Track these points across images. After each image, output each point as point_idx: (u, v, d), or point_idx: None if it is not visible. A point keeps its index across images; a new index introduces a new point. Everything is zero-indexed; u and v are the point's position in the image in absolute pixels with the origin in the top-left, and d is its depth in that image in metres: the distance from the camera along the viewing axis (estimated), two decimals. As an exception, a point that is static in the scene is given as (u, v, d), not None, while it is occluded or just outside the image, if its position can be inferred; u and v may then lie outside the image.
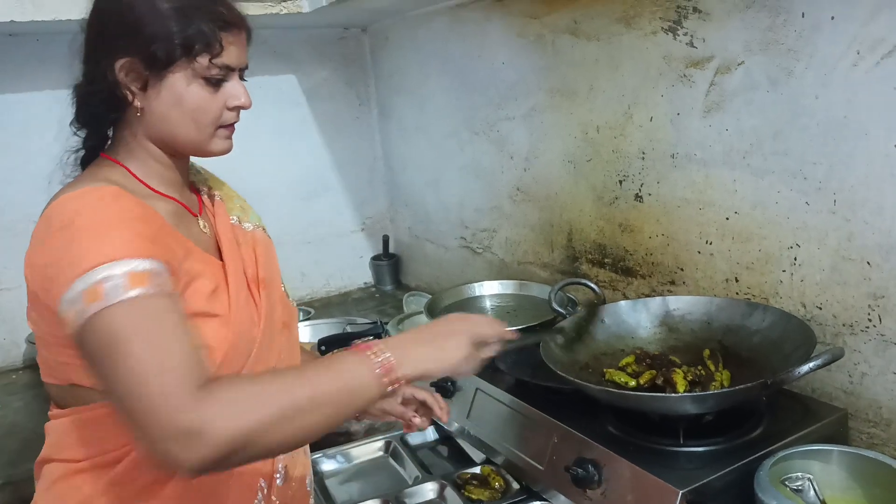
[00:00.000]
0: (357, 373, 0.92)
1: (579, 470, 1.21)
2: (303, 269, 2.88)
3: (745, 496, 1.09)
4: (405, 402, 1.33)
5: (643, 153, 1.64)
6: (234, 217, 1.21)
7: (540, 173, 2.00)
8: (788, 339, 1.27)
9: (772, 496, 1.03)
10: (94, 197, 0.95)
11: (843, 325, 1.29)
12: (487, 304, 1.84)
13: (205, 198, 1.20)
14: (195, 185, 1.20)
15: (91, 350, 0.86)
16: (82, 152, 1.11)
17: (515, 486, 1.40)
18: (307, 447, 1.19)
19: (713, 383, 1.26)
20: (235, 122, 1.09)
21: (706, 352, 1.35)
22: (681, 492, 1.07)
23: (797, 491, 0.99)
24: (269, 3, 2.22)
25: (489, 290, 1.87)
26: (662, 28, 1.52)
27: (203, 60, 1.01)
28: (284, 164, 2.77)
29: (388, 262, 2.96)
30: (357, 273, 3.01)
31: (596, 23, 1.69)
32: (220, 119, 1.06)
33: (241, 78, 1.08)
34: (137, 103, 1.02)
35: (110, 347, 0.84)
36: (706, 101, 1.46)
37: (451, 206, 2.51)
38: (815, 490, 0.98)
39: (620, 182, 1.72)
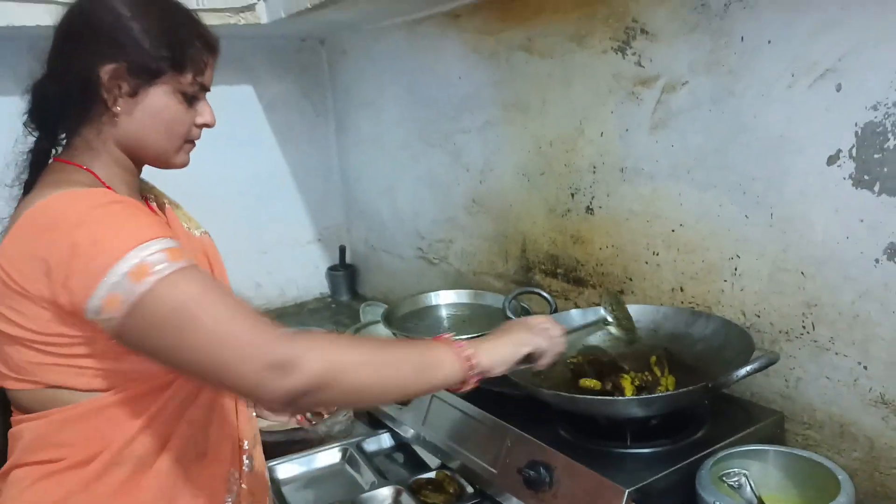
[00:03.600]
0: (444, 353, 1.02)
1: (531, 472, 1.24)
2: (257, 280, 2.87)
3: (687, 494, 1.15)
4: None
5: (594, 167, 1.70)
6: (186, 225, 1.25)
7: (495, 185, 2.05)
8: (729, 346, 1.33)
9: (711, 493, 1.08)
10: (96, 194, 0.97)
11: (780, 332, 1.36)
12: (444, 312, 1.87)
13: (155, 206, 1.23)
14: (142, 194, 1.22)
15: (152, 322, 0.89)
16: (31, 155, 1.11)
17: (470, 489, 1.43)
18: (260, 442, 1.23)
19: (659, 388, 1.31)
20: (197, 140, 1.14)
21: (653, 358, 1.40)
22: (627, 490, 1.12)
23: (735, 488, 1.04)
24: (228, 14, 2.23)
25: (445, 299, 1.90)
26: (612, 47, 1.58)
27: (187, 77, 1.06)
28: (240, 173, 2.77)
29: (345, 273, 2.97)
30: (313, 283, 3.02)
31: (549, 40, 1.75)
32: (189, 134, 1.12)
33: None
34: (117, 108, 1.04)
35: (180, 312, 0.89)
36: (653, 118, 1.52)
37: (407, 217, 2.55)
38: (750, 486, 1.04)
39: (572, 195, 1.78)
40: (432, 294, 1.92)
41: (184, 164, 1.15)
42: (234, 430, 1.16)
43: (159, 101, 1.06)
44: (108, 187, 1.07)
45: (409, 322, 1.82)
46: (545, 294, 1.64)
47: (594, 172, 1.70)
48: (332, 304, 2.95)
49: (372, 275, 2.91)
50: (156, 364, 0.98)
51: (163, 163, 1.13)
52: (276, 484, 1.54)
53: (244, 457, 1.16)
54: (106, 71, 1.01)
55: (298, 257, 2.97)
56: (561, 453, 1.24)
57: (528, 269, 1.98)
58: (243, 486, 1.15)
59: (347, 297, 2.97)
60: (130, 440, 1.01)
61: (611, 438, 1.27)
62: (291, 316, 2.81)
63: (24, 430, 1.04)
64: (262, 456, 1.24)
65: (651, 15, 1.48)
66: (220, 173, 2.68)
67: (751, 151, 1.35)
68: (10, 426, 1.07)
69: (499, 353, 1.09)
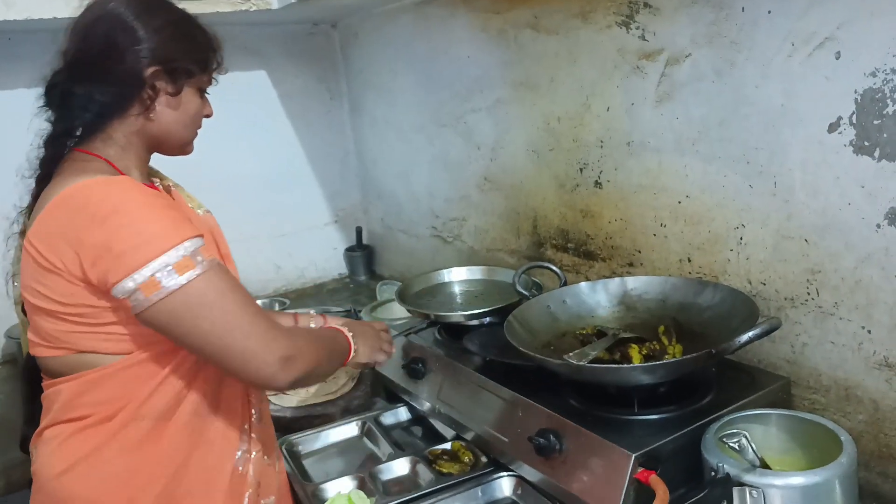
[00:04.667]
0: (345, 352, 1.32)
1: (541, 440, 1.28)
2: (277, 262, 2.93)
3: (693, 459, 1.18)
4: None
5: (601, 142, 1.72)
6: (190, 204, 1.36)
7: (505, 163, 2.08)
8: (735, 314, 1.35)
9: (715, 456, 1.12)
10: (126, 185, 1.07)
11: (785, 298, 1.38)
12: (456, 289, 1.91)
13: (161, 189, 1.31)
14: (151, 180, 1.32)
15: (192, 312, 1.03)
16: (51, 143, 1.18)
17: (483, 459, 1.47)
18: (266, 397, 1.39)
19: (666, 356, 1.34)
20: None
21: (661, 328, 1.43)
22: (633, 455, 1.15)
23: (737, 449, 1.07)
24: (239, 1, 2.26)
25: (457, 276, 1.94)
26: (616, 22, 1.60)
27: (207, 75, 1.23)
28: (258, 158, 2.82)
29: (362, 253, 3.02)
30: (331, 264, 3.07)
31: (555, 18, 1.77)
32: (200, 125, 1.27)
33: None
34: (156, 106, 1.16)
35: (215, 305, 1.04)
36: (658, 91, 1.54)
37: (422, 197, 2.58)
38: (752, 447, 1.07)
39: (581, 170, 1.80)
40: (444, 271, 1.96)
41: (191, 152, 1.29)
42: (243, 386, 1.25)
43: (189, 96, 1.20)
44: (123, 174, 1.14)
45: (423, 299, 1.86)
46: (554, 268, 1.67)
47: (601, 147, 1.72)
48: (350, 285, 3.00)
49: (388, 254, 2.95)
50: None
51: (181, 150, 1.27)
52: (297, 457, 1.60)
53: (252, 410, 1.26)
54: (151, 72, 1.13)
55: (316, 239, 3.02)
56: (570, 421, 1.28)
57: (540, 244, 2.01)
58: (253, 435, 1.25)
59: (365, 277, 3.02)
60: (151, 396, 1.12)
61: (618, 406, 1.30)
62: (311, 297, 2.87)
63: (60, 392, 1.13)
64: (269, 410, 1.35)
65: (654, -11, 1.50)
66: (239, 159, 2.73)
67: (753, 122, 1.36)
68: (40, 392, 1.17)
69: (366, 352, 1.37)
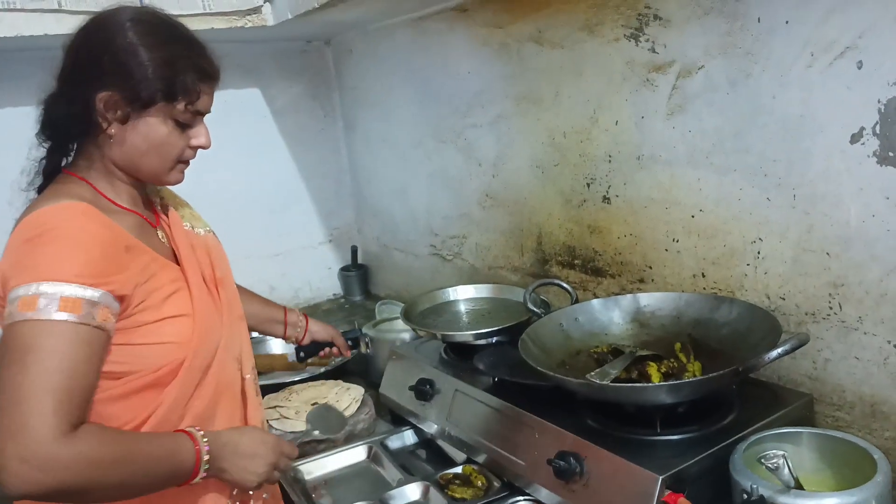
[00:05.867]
0: (184, 470, 1.07)
1: (561, 462, 1.24)
2: (271, 283, 2.87)
3: (720, 479, 1.14)
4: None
5: (609, 156, 1.69)
6: (188, 224, 1.34)
7: (508, 179, 2.04)
8: (755, 330, 1.32)
9: (746, 477, 1.08)
10: (66, 215, 1.05)
11: (806, 313, 1.35)
12: (462, 307, 1.86)
13: (159, 209, 1.31)
14: (150, 197, 1.31)
15: (2, 351, 0.97)
16: (44, 164, 1.20)
17: (497, 483, 1.43)
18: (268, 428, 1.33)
19: (686, 374, 1.30)
20: (191, 159, 1.23)
21: (677, 345, 1.39)
22: (660, 477, 1.11)
23: (773, 469, 1.03)
24: (234, 17, 2.23)
25: (463, 294, 1.90)
26: (625, 35, 1.57)
27: (180, 106, 1.15)
28: (250, 177, 2.77)
29: (357, 273, 2.97)
30: (326, 284, 3.02)
31: (560, 31, 1.74)
32: (181, 156, 1.20)
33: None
34: (112, 131, 1.12)
35: (14, 355, 0.95)
36: (669, 103, 1.52)
37: (420, 215, 2.54)
38: (788, 467, 1.03)
39: (588, 185, 1.77)
40: (450, 289, 1.91)
41: (177, 182, 1.24)
42: (240, 419, 1.24)
43: (152, 127, 1.13)
44: (109, 199, 1.16)
45: (429, 318, 1.81)
46: (565, 285, 1.63)
47: (610, 161, 1.69)
48: (345, 305, 2.95)
49: (385, 273, 2.91)
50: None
51: (156, 181, 1.23)
52: (302, 483, 1.54)
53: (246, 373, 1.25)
54: (101, 98, 1.10)
55: (311, 259, 2.97)
56: (590, 443, 1.23)
57: (545, 261, 1.97)
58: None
59: (361, 297, 2.97)
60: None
61: (639, 426, 1.26)
62: (306, 318, 2.80)
63: None
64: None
65: (664, 0, 1.47)
66: (231, 178, 2.69)
67: (770, 133, 1.34)
68: None
69: (238, 476, 1.14)
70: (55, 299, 0.97)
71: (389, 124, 2.59)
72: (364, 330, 1.93)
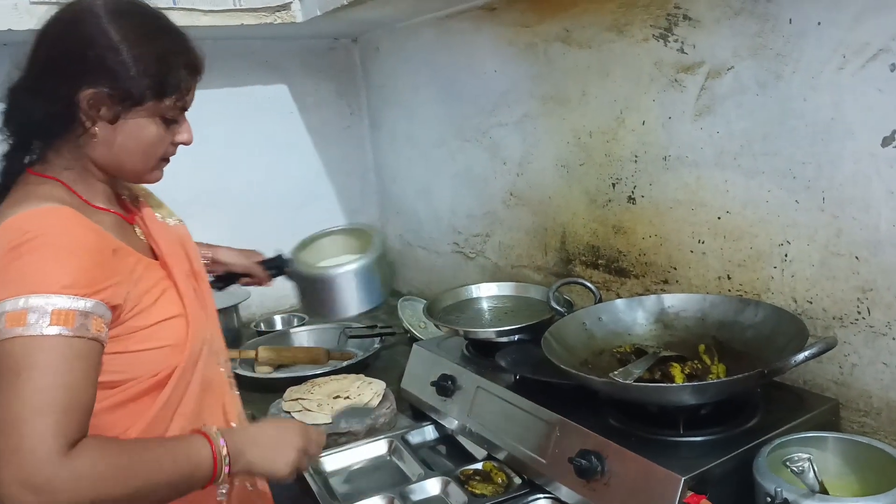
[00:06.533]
0: (203, 470, 1.01)
1: (583, 461, 1.24)
2: (295, 278, 2.89)
3: (742, 482, 1.13)
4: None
5: (636, 156, 1.69)
6: (158, 215, 1.27)
7: (533, 178, 2.05)
8: (781, 333, 1.31)
9: (771, 480, 1.07)
10: (50, 220, 0.98)
11: (833, 317, 1.34)
12: (485, 305, 1.87)
13: (128, 201, 1.24)
14: (118, 191, 1.23)
15: None
16: (4, 164, 1.11)
17: (517, 480, 1.43)
18: (245, 418, 1.30)
19: (710, 375, 1.30)
20: (172, 156, 1.18)
21: (701, 347, 1.39)
22: (683, 478, 1.10)
23: (798, 473, 1.02)
24: (264, 14, 2.25)
25: (487, 291, 1.90)
26: (653, 35, 1.57)
27: (169, 102, 1.09)
28: (275, 173, 2.79)
29: (380, 270, 2.97)
30: (348, 281, 3.03)
31: (587, 31, 1.74)
32: (164, 153, 1.15)
33: None
34: (95, 131, 1.06)
35: (7, 374, 0.89)
36: (697, 104, 1.51)
37: (443, 213, 2.55)
38: (814, 471, 1.02)
39: (613, 185, 1.77)
40: (473, 287, 1.92)
41: (157, 180, 1.18)
42: (224, 414, 1.21)
43: (139, 125, 1.08)
44: (85, 200, 1.09)
45: (451, 315, 1.82)
46: (589, 284, 1.63)
47: (636, 162, 1.69)
48: (367, 302, 2.95)
49: (407, 271, 2.92)
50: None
51: (137, 180, 1.17)
52: (322, 476, 1.55)
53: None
54: (86, 95, 1.03)
55: (334, 255, 2.98)
56: (612, 442, 1.23)
57: (568, 260, 1.97)
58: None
59: (383, 294, 2.98)
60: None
61: (662, 427, 1.25)
62: (328, 313, 2.82)
63: None
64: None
65: (694, 1, 1.47)
66: (255, 174, 2.71)
67: (800, 136, 1.33)
68: None
69: (259, 459, 1.09)
70: (46, 313, 0.90)
71: (414, 123, 2.60)
72: (290, 255, 1.83)
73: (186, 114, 1.17)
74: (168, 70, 1.07)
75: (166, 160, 1.17)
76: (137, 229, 1.21)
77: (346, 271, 1.75)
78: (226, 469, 1.03)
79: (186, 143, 1.17)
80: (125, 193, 1.25)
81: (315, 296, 1.80)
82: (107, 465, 0.91)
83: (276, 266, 1.79)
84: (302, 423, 1.21)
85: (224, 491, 1.18)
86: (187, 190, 2.55)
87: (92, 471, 0.89)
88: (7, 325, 0.90)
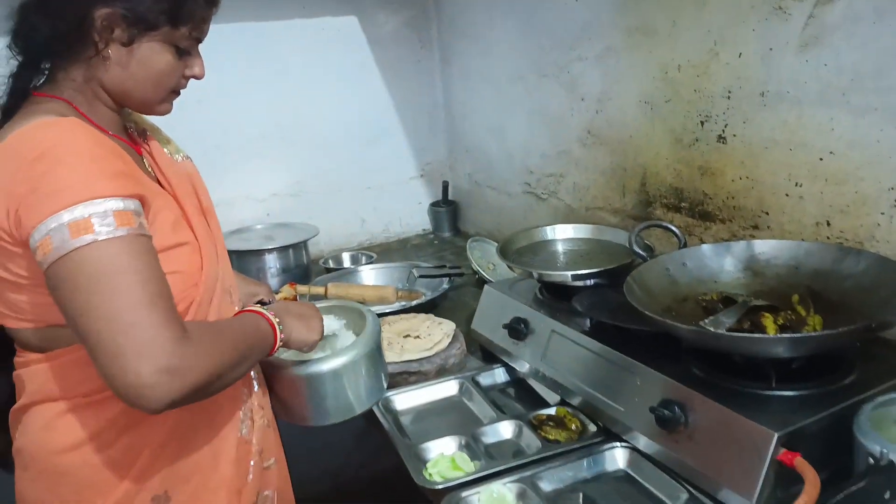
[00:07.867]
0: (269, 338, 1.12)
1: (665, 411, 1.19)
2: (362, 215, 2.88)
3: (838, 441, 1.06)
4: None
5: (729, 92, 1.57)
6: (166, 150, 1.23)
7: (613, 116, 1.95)
8: (885, 284, 1.22)
9: (874, 440, 1.00)
10: (65, 127, 0.95)
11: (946, 270, 1.23)
12: (560, 247, 1.80)
13: (135, 134, 1.22)
14: (123, 122, 1.20)
15: (72, 284, 0.89)
16: (12, 83, 1.08)
17: (592, 427, 1.39)
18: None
19: (805, 327, 1.22)
20: (183, 90, 1.15)
21: (795, 297, 1.31)
22: (777, 434, 1.04)
23: (905, 434, 0.95)
24: (336, -59, 2.18)
25: (561, 234, 1.83)
26: (757, -42, 1.44)
27: (184, 31, 1.06)
28: (345, 108, 2.75)
29: (447, 209, 2.94)
30: (415, 220, 3.00)
31: (682, -45, 1.62)
32: (176, 85, 1.12)
33: None
34: (108, 53, 1.03)
35: (98, 282, 0.88)
36: (803, 35, 1.39)
37: (516, 153, 2.47)
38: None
39: (702, 123, 1.66)
40: (547, 228, 1.85)
41: (166, 113, 1.15)
42: None
43: (151, 52, 1.05)
44: (90, 119, 1.06)
45: (525, 256, 1.77)
46: (673, 228, 1.55)
47: (729, 98, 1.58)
48: (434, 241, 2.93)
49: (475, 211, 2.86)
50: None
51: (145, 110, 1.14)
52: (393, 414, 1.54)
53: (252, 373, 1.24)
54: (101, 14, 1.00)
55: (402, 193, 2.95)
56: (698, 393, 1.17)
57: (648, 203, 1.88)
58: (254, 401, 1.23)
59: (450, 234, 2.95)
60: None
61: (750, 379, 1.19)
62: (396, 251, 2.81)
63: (37, 371, 1.05)
64: (263, 375, 1.30)
65: (806, -81, 1.34)
66: (325, 109, 2.68)
67: (922, 69, 1.21)
68: (13, 367, 1.10)
69: (301, 332, 1.20)
70: (109, 215, 0.90)
71: (488, 58, 2.51)
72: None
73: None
74: None
75: (176, 93, 1.14)
76: (145, 160, 1.18)
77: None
78: (281, 336, 1.13)
79: (198, 77, 1.13)
80: (132, 126, 1.22)
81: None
82: (213, 340, 0.97)
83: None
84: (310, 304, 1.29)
85: (243, 422, 1.20)
86: (257, 125, 2.54)
87: (210, 346, 0.95)
88: (73, 236, 0.88)
